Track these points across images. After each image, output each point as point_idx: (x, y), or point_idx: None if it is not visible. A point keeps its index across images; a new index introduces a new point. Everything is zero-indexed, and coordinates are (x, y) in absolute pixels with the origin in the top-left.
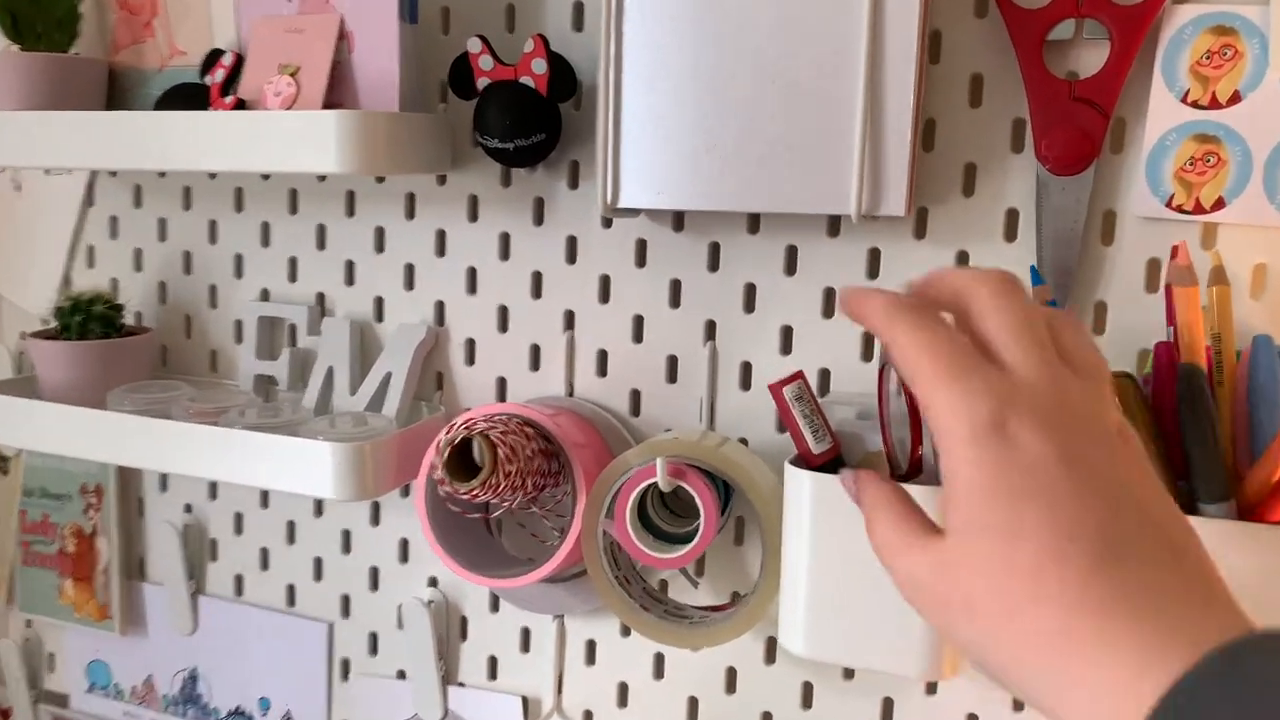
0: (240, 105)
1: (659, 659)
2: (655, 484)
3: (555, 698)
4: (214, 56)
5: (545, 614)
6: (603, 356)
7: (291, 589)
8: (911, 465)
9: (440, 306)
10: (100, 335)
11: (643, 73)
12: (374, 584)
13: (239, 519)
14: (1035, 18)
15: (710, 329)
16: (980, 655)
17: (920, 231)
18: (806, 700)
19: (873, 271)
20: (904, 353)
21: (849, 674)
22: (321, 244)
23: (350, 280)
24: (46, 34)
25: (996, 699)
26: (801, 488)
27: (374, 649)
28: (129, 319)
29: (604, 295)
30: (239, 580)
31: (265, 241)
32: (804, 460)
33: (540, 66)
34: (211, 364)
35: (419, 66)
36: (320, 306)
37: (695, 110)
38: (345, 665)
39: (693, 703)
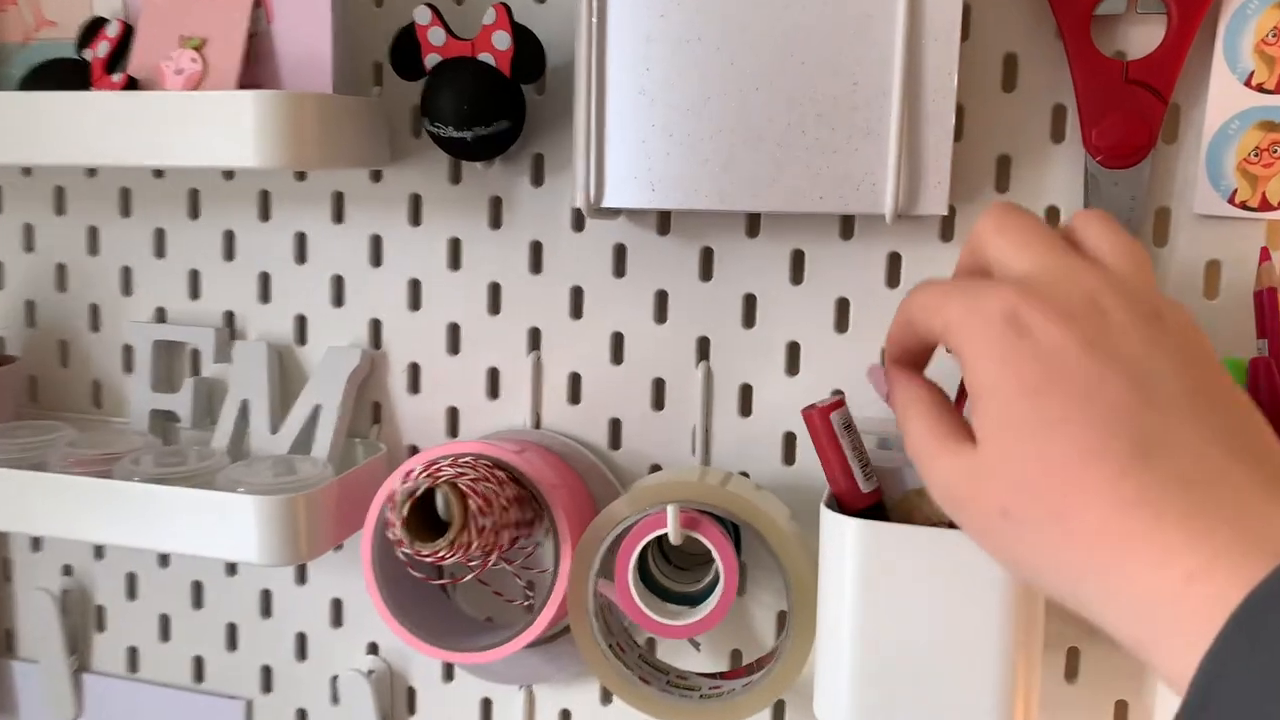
0: (131, 85)
1: None
2: (657, 535)
3: None
4: (95, 26)
5: (512, 684)
6: (575, 381)
7: (199, 662)
8: None
9: (376, 326)
10: None
11: (632, 48)
12: (301, 653)
13: (132, 581)
14: None
15: (703, 347)
16: (1023, 566)
17: (947, 233)
18: None
19: (892, 279)
20: (910, 304)
21: None
22: (229, 254)
23: (265, 296)
24: None
25: None
26: (844, 537)
27: None
28: None
29: (576, 310)
30: (133, 654)
31: (159, 251)
32: (839, 501)
33: (503, 41)
34: (94, 399)
35: (350, 41)
36: (229, 328)
37: (697, 91)
38: None
39: None
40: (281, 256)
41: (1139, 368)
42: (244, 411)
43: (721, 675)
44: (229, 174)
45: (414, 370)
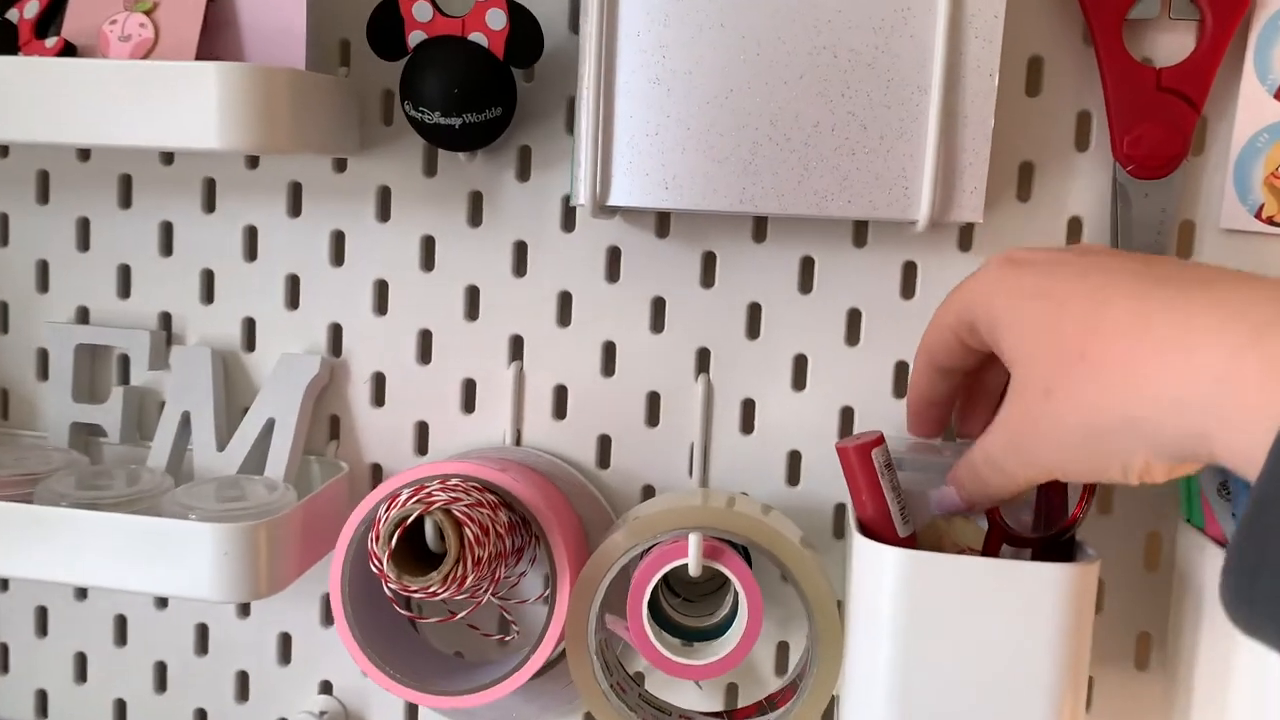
0: (68, 51)
1: None
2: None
3: None
4: None
5: None
6: (561, 394)
7: (121, 706)
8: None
9: (336, 331)
10: None
11: (647, 31)
12: (242, 694)
13: (42, 616)
14: None
15: (703, 359)
16: (1099, 407)
17: (965, 242)
18: None
19: (908, 289)
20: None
21: None
22: (167, 248)
23: (208, 296)
24: None
25: None
26: (882, 567)
27: None
28: None
29: (563, 316)
30: (42, 698)
31: (83, 244)
32: (865, 528)
33: (498, 20)
34: (2, 409)
35: (317, 15)
36: (166, 331)
37: (719, 82)
38: None
39: None
40: (228, 252)
41: (1120, 255)
42: (184, 425)
43: (730, 714)
44: (167, 158)
45: (378, 381)
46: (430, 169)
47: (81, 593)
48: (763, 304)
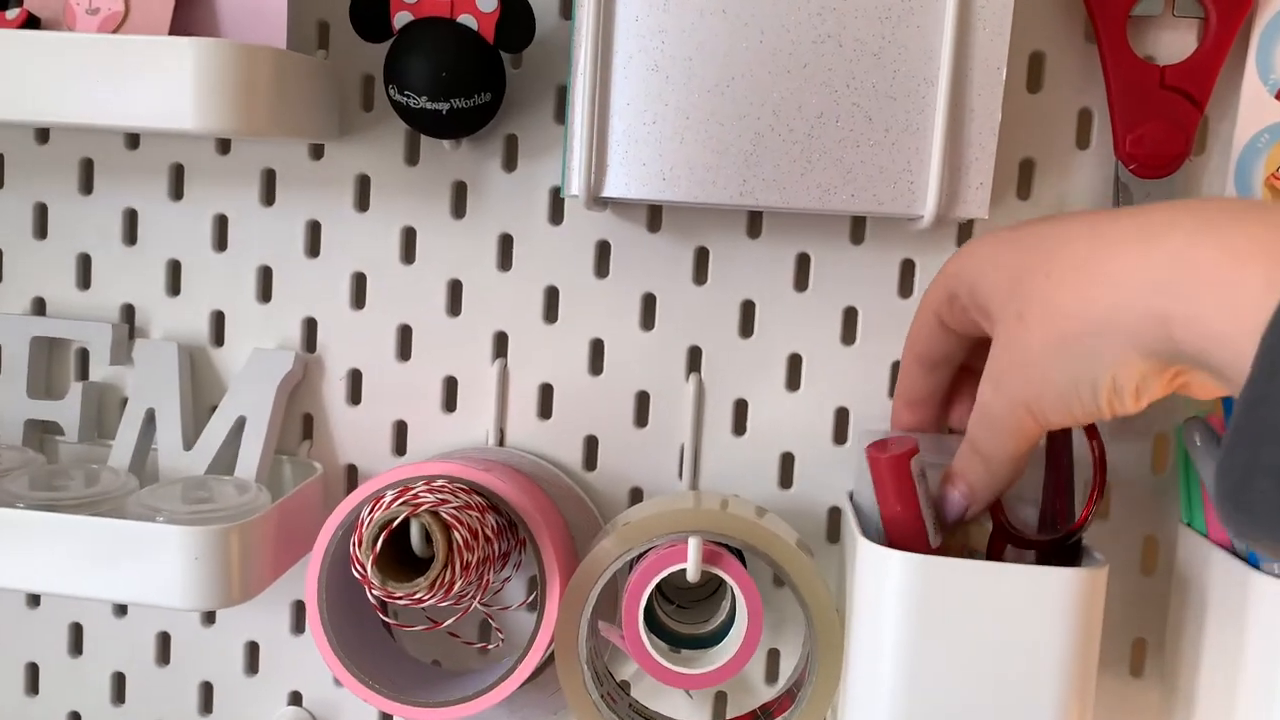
0: (31, 24)
1: None
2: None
3: None
4: None
5: None
6: (546, 393)
7: (76, 719)
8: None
9: (311, 325)
10: None
11: (646, 16)
12: (206, 706)
13: None
14: None
15: (694, 357)
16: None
17: (965, 240)
18: None
19: (905, 288)
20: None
21: None
22: (130, 237)
23: (174, 288)
24: None
25: None
26: (888, 572)
27: None
28: None
29: (550, 312)
30: None
31: (40, 231)
32: (888, 541)
33: (488, 2)
34: None
35: None
36: (129, 324)
37: (720, 70)
38: None
39: None
40: (196, 241)
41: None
42: (149, 423)
43: None
44: (133, 141)
45: (355, 378)
46: (412, 157)
47: (34, 599)
48: (756, 301)
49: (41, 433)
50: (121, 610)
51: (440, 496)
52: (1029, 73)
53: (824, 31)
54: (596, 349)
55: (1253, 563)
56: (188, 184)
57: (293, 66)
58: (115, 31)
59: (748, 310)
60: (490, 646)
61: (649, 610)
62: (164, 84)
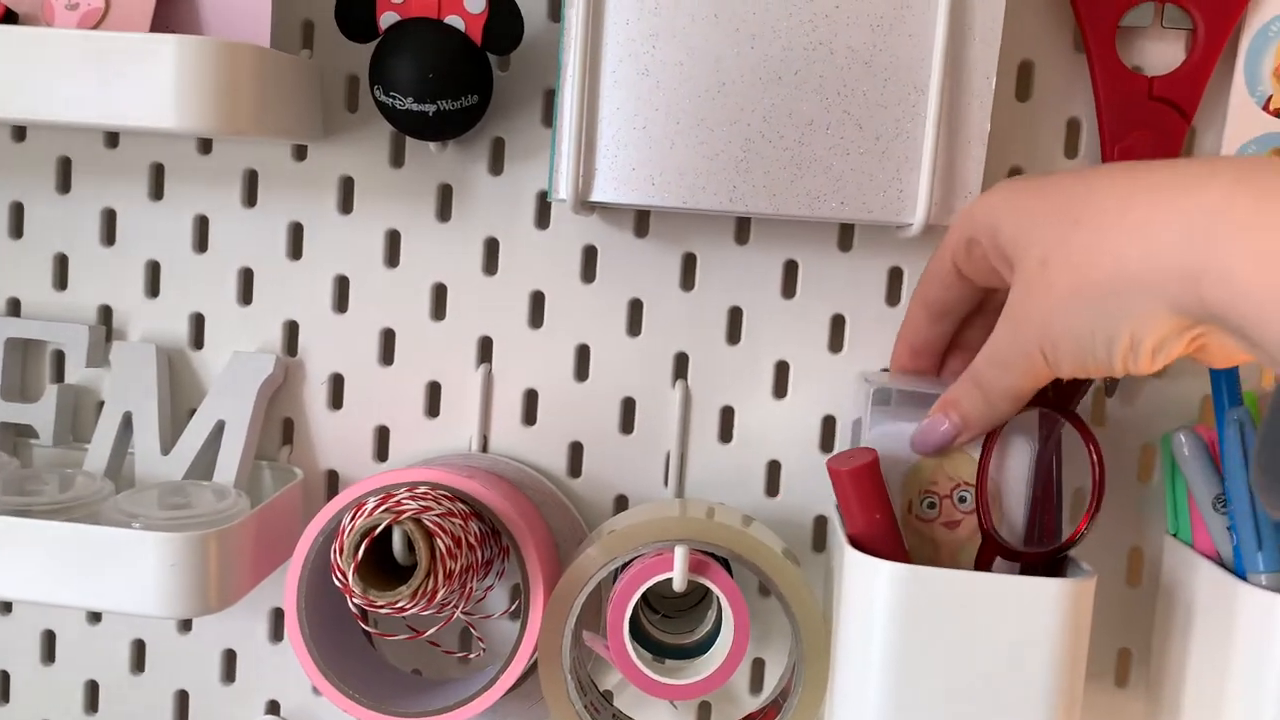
0: (9, 19)
1: None
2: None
3: None
4: None
5: None
6: (531, 399)
7: None
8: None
9: (292, 329)
10: None
11: (636, 20)
12: (182, 714)
13: None
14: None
15: (681, 364)
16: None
17: None
18: None
19: (893, 295)
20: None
21: None
22: (109, 237)
23: (153, 290)
24: None
25: None
26: (876, 582)
27: None
28: None
29: (536, 317)
30: None
31: (16, 230)
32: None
33: (476, 3)
34: None
35: None
36: (106, 326)
37: (711, 75)
38: None
39: None
40: (176, 242)
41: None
42: (125, 426)
43: None
44: (112, 140)
45: (337, 382)
46: (397, 159)
47: (5, 606)
48: (744, 308)
49: (15, 436)
50: (95, 617)
51: (423, 503)
52: (1018, 82)
53: (815, 39)
54: (582, 355)
55: (1239, 573)
56: (168, 184)
57: (276, 65)
58: (95, 28)
59: (735, 317)
60: (472, 656)
61: (634, 620)
62: (144, 82)
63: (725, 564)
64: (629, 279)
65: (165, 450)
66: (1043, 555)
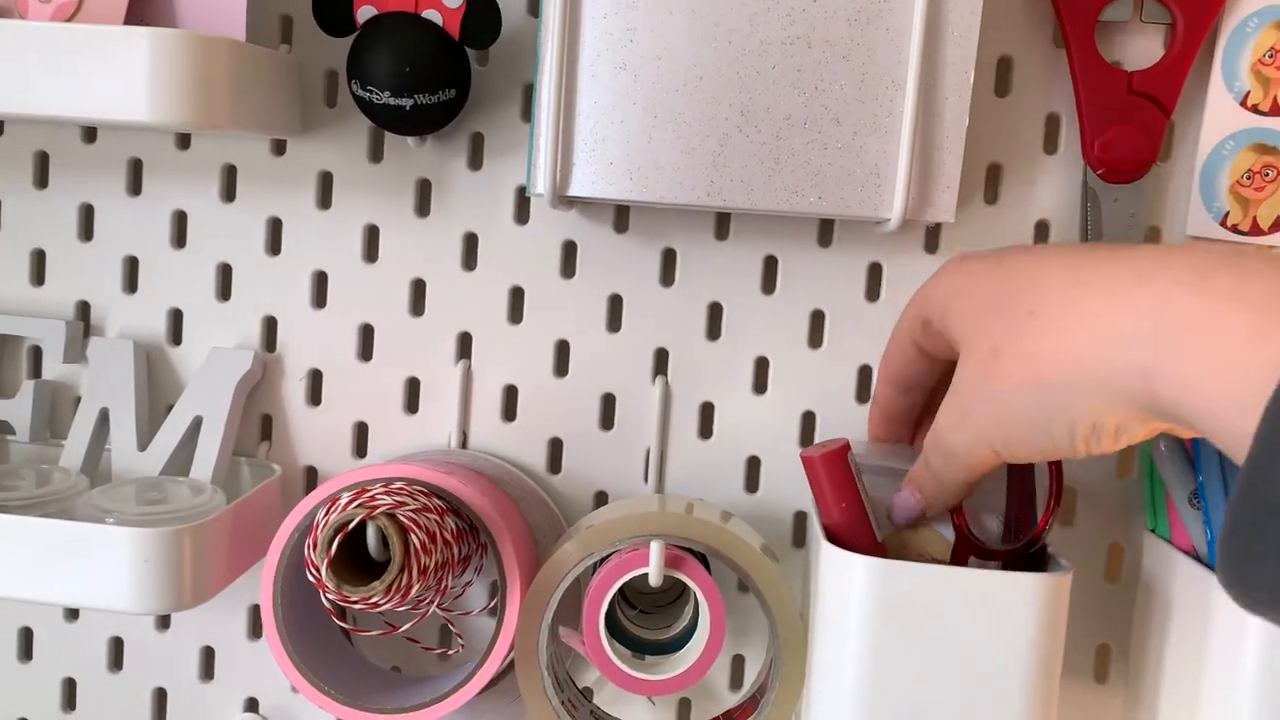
0: None
1: None
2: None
3: None
4: None
5: None
6: (510, 394)
7: None
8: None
9: (270, 324)
10: None
11: (614, 14)
12: (160, 712)
13: None
14: None
15: (661, 360)
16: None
17: (932, 244)
18: None
19: (872, 292)
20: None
21: None
22: (86, 232)
23: (131, 285)
24: None
25: None
26: (851, 577)
27: None
28: None
29: (515, 313)
30: None
31: None
32: (832, 535)
33: None
34: None
35: None
36: (83, 321)
37: (689, 69)
38: None
39: None
40: (154, 238)
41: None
42: (102, 423)
43: None
44: (89, 134)
45: (315, 378)
46: (376, 154)
47: None
48: (724, 304)
49: None
50: (73, 614)
51: (398, 499)
52: (997, 77)
53: (793, 33)
54: (562, 350)
55: (1214, 568)
56: (146, 179)
57: (252, 59)
58: (69, 20)
59: (715, 312)
60: (450, 652)
61: (611, 615)
62: (119, 75)
63: (703, 560)
64: (608, 274)
65: (142, 446)
66: (1012, 552)
